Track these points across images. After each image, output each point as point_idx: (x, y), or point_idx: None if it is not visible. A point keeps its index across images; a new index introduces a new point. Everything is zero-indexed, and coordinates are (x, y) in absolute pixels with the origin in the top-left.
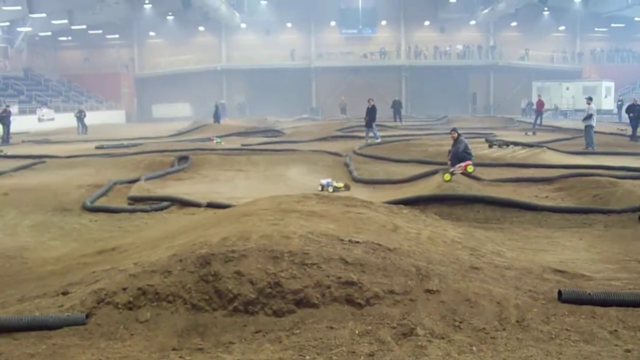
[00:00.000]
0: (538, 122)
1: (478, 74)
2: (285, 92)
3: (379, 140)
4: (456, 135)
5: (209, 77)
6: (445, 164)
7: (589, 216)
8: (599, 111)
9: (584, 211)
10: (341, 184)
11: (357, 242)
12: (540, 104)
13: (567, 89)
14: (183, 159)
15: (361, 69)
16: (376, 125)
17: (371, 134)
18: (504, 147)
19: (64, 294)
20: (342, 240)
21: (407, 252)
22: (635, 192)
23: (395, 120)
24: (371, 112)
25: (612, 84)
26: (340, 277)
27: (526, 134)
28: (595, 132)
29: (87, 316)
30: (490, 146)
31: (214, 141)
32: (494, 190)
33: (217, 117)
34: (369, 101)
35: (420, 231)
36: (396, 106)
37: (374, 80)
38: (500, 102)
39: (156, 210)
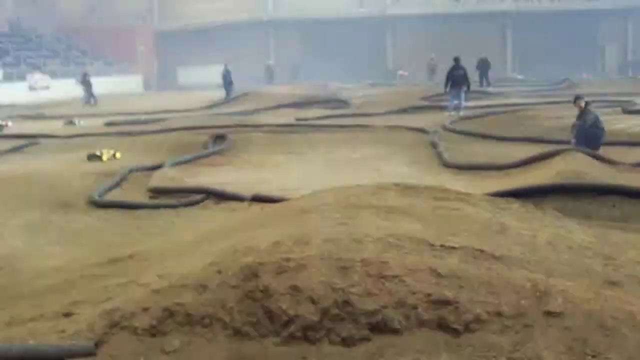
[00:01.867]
0: None
1: (611, 22)
2: (352, 50)
3: (454, 111)
4: (583, 104)
5: (251, 31)
6: (568, 142)
7: None
8: None
9: None
10: None
11: (453, 247)
12: None
13: None
14: (219, 138)
15: (451, 17)
16: (468, 90)
17: (456, 102)
18: None
19: (67, 315)
20: (433, 245)
21: (519, 261)
22: None
23: (481, 85)
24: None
25: None
26: (429, 295)
27: None
28: None
29: (96, 345)
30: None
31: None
32: (635, 179)
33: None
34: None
35: (537, 233)
36: (483, 67)
37: (468, 32)
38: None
39: (186, 205)
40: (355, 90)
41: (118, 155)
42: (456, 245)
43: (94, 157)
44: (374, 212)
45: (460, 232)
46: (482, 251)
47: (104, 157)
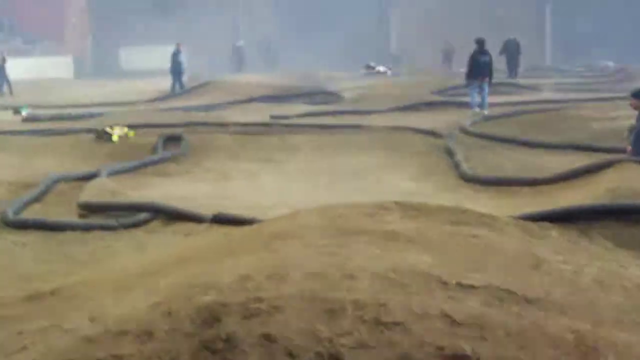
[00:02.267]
0: None
1: None
2: (345, 29)
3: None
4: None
5: (216, 2)
6: (623, 150)
7: None
8: None
9: None
10: None
11: (472, 286)
12: None
13: None
14: (172, 140)
15: None
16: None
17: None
18: None
19: None
20: (446, 283)
21: (558, 305)
22: None
23: (510, 75)
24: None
25: None
26: (442, 348)
27: None
28: None
29: None
30: None
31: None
32: None
33: (239, 65)
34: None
35: (582, 269)
36: (511, 51)
37: (496, 10)
38: None
39: (127, 226)
40: (349, 80)
41: (131, 134)
42: (477, 284)
43: (103, 135)
44: (371, 239)
45: (482, 266)
46: (510, 292)
47: (115, 137)
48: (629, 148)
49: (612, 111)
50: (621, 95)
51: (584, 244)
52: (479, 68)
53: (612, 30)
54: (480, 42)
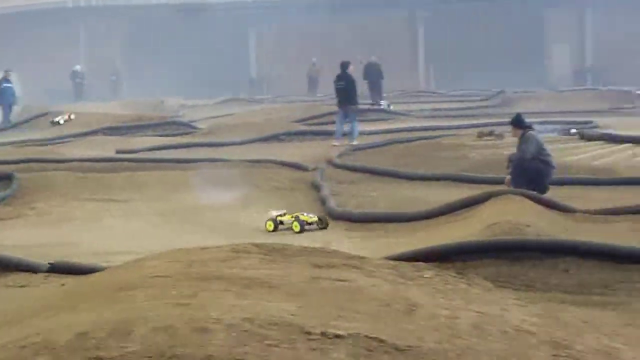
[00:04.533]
0: None
1: (563, 14)
2: (199, 51)
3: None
4: (521, 128)
5: (51, 21)
6: (503, 181)
7: None
8: None
9: None
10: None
11: (338, 335)
12: None
13: None
14: (1, 180)
15: (345, 6)
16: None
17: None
18: (612, 145)
19: None
20: (310, 333)
21: (432, 353)
22: None
23: (373, 101)
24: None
25: None
26: None
27: None
28: None
29: None
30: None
31: None
32: (596, 231)
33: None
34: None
35: (458, 313)
36: (372, 74)
37: (366, 28)
38: (605, 64)
39: None
40: (203, 109)
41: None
42: (343, 333)
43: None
44: (227, 287)
45: (349, 314)
46: (380, 340)
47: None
48: (508, 179)
49: (492, 139)
50: (500, 121)
51: (462, 285)
52: (337, 94)
53: (493, 49)
54: (342, 66)
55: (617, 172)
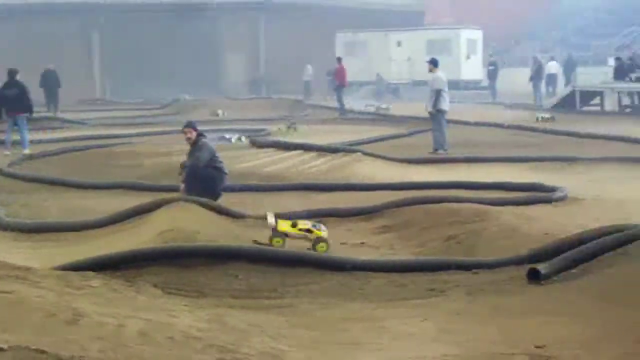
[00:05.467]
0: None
1: (238, 24)
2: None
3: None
4: (194, 134)
5: None
6: (177, 188)
7: (439, 276)
8: (455, 83)
9: (430, 268)
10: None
11: (0, 349)
12: (341, 74)
13: (399, 44)
14: None
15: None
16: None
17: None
18: (283, 152)
19: None
20: None
21: None
22: (520, 229)
23: (49, 109)
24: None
25: (479, 34)
26: None
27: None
28: (452, 121)
29: None
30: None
31: None
32: (266, 236)
33: None
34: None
35: (125, 321)
36: (50, 82)
37: (41, 35)
38: (277, 74)
39: None
40: None
41: None
42: (5, 347)
43: None
44: None
45: (12, 325)
46: (42, 352)
47: None
48: (183, 185)
49: (166, 146)
50: (175, 129)
51: (130, 293)
52: (7, 103)
53: (171, 56)
54: (10, 73)
55: (287, 178)
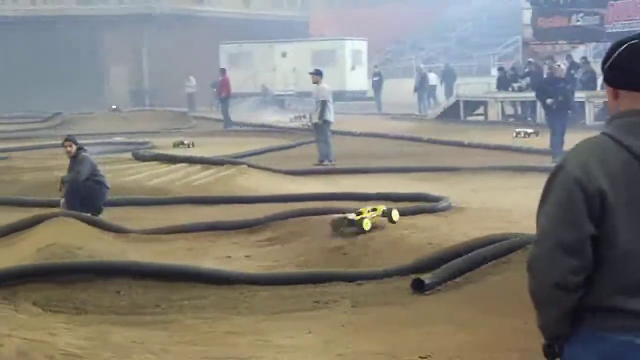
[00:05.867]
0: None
1: (121, 37)
2: None
3: None
4: (74, 148)
5: None
6: (58, 203)
7: (324, 288)
8: (340, 94)
9: (314, 280)
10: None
11: None
12: (226, 86)
13: (284, 55)
14: None
15: None
16: None
17: None
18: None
19: None
20: None
21: None
22: (406, 240)
23: None
24: None
25: (363, 45)
26: None
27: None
28: (337, 132)
29: None
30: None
31: None
32: (151, 251)
33: None
34: None
35: (2, 340)
36: None
37: None
38: (160, 86)
39: None
40: None
41: None
42: None
43: None
44: None
45: None
46: None
47: None
48: (62, 200)
49: (46, 161)
50: (55, 143)
51: (8, 311)
52: None
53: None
54: None
55: (172, 191)
